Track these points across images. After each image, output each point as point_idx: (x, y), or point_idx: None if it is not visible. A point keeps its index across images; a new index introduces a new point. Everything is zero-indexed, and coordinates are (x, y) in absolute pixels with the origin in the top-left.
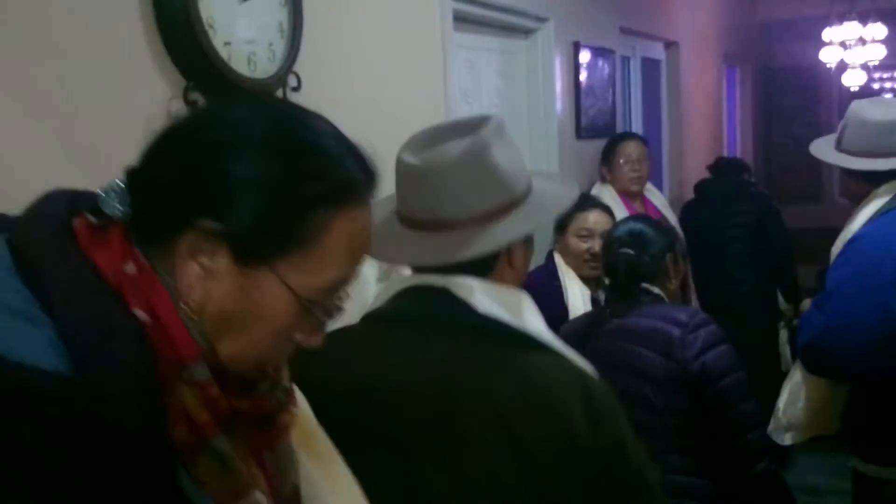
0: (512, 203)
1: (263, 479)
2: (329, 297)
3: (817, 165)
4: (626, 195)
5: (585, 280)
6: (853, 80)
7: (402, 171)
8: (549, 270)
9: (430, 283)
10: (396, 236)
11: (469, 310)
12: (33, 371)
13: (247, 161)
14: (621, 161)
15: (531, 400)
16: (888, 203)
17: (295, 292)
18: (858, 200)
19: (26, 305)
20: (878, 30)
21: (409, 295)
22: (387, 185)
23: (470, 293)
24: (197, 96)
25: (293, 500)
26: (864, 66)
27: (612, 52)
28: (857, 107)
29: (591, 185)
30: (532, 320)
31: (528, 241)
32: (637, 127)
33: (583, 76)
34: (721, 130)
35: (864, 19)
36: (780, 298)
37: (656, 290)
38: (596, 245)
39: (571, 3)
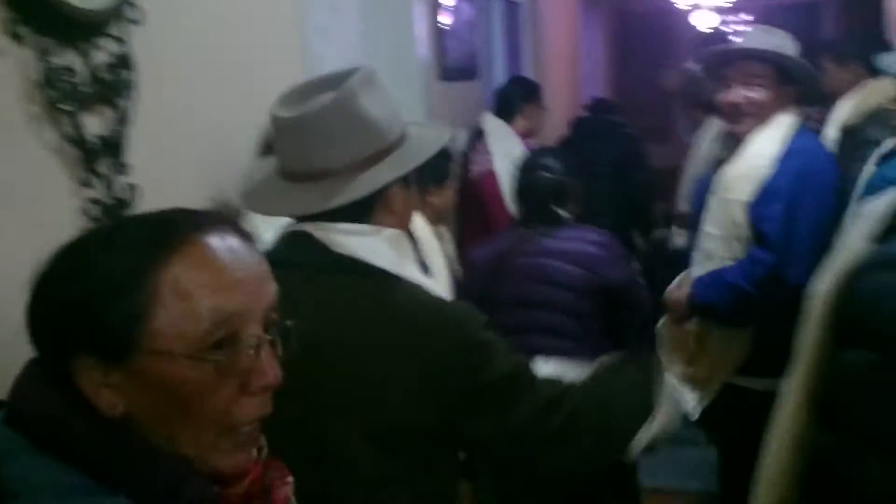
0: (384, 150)
1: None
2: (225, 329)
3: (666, 107)
4: (527, 135)
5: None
6: (705, 21)
7: (277, 125)
8: None
9: (297, 229)
10: (277, 190)
11: (325, 250)
12: None
13: (59, 299)
14: (543, 104)
15: (374, 326)
16: (795, 122)
17: (183, 354)
18: (757, 117)
19: (85, 481)
20: None
21: (281, 241)
22: (238, 133)
23: (328, 234)
24: (25, 31)
25: None
26: (716, 9)
27: None
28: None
29: (466, 127)
30: (390, 256)
31: (407, 186)
32: (500, 69)
33: (445, 17)
34: (579, 72)
35: None
36: (637, 236)
37: (563, 212)
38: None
39: None
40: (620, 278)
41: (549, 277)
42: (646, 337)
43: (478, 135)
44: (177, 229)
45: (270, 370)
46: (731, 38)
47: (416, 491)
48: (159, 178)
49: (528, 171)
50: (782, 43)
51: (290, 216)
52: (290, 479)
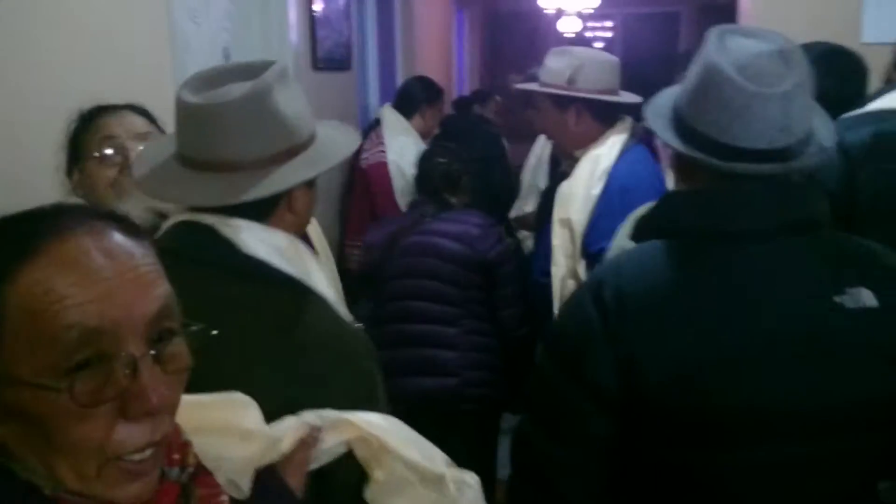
0: (294, 149)
1: None
2: (90, 349)
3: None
4: (422, 135)
5: None
6: (569, 26)
7: (183, 110)
8: None
9: (197, 220)
10: (175, 176)
11: (232, 249)
12: None
13: None
14: (442, 109)
15: (282, 341)
16: (628, 140)
17: (35, 382)
18: (582, 143)
19: None
20: None
21: (175, 230)
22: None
23: (236, 233)
24: None
25: None
26: (579, 14)
27: None
28: (585, 50)
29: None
30: (300, 264)
31: (310, 187)
32: (373, 61)
33: (317, 6)
34: (451, 69)
35: None
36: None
37: (453, 199)
38: None
39: None
40: (495, 255)
41: (435, 252)
42: (516, 307)
43: (374, 125)
44: (32, 231)
45: (153, 392)
46: (593, 43)
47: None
48: (11, 169)
49: (425, 160)
50: (570, 65)
51: (191, 205)
52: (225, 497)
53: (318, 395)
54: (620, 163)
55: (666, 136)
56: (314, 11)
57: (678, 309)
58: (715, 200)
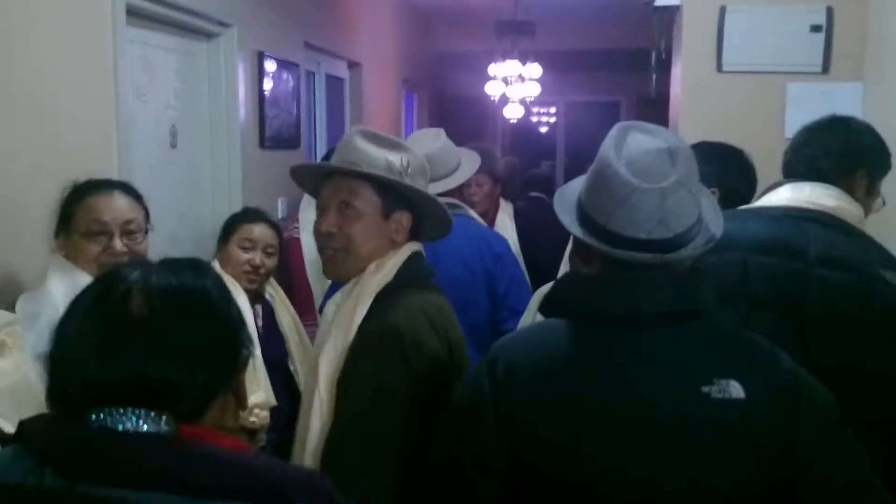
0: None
1: None
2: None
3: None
4: None
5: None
6: (513, 112)
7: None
8: None
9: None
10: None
11: None
12: None
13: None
14: None
15: None
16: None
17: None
18: None
19: None
20: (535, 69)
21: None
22: (38, 186)
23: None
24: None
25: None
26: (522, 101)
27: (296, 65)
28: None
29: (279, 198)
30: None
31: None
32: (322, 142)
33: (267, 86)
34: None
35: (523, 58)
36: None
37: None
38: (258, 257)
39: (255, 13)
40: None
41: None
42: None
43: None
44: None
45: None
46: (539, 127)
47: None
48: None
49: None
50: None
51: None
52: None
53: None
54: None
55: (566, 221)
56: (263, 91)
57: (558, 384)
58: (602, 285)
